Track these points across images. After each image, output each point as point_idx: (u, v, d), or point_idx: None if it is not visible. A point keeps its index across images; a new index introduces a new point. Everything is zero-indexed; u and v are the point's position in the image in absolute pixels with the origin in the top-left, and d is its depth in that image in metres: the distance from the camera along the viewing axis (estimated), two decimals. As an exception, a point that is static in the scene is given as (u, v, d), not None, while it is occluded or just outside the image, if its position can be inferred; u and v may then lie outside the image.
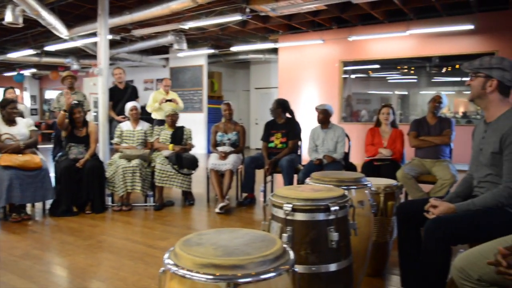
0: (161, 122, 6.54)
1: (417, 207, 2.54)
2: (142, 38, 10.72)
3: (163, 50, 12.78)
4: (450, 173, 4.26)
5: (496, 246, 1.80)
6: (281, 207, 1.84)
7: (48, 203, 5.06)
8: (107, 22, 6.79)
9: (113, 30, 9.19)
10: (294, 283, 1.24)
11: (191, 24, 8.71)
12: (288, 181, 5.01)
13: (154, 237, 4.14)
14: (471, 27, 8.28)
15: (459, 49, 8.77)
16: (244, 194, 5.61)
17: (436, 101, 4.66)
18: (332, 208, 1.81)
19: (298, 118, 5.73)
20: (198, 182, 6.39)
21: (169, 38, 9.88)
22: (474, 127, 2.51)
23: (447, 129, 4.58)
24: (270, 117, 5.63)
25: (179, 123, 5.71)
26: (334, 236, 1.81)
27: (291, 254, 1.26)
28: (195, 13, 8.51)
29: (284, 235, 1.81)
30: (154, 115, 7.19)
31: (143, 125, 5.61)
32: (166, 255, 1.26)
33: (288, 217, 1.81)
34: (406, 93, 10.26)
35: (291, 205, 1.81)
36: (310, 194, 1.88)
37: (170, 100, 7.03)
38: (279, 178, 5.50)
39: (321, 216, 1.82)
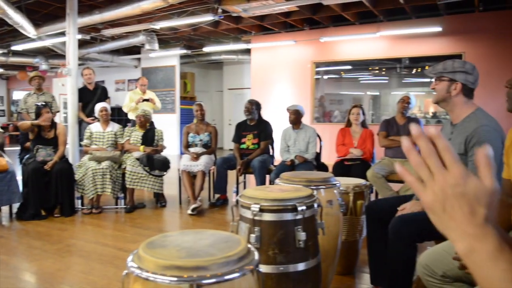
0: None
1: (385, 206, 2.59)
2: (113, 38, 10.57)
3: (135, 50, 12.63)
4: (418, 172, 4.34)
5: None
6: (248, 208, 1.84)
7: (15, 206, 4.92)
8: (76, 21, 6.67)
9: (82, 29, 9.04)
10: (259, 283, 1.24)
11: (162, 24, 8.64)
12: (260, 182, 5.02)
13: (125, 240, 4.08)
14: (439, 29, 8.48)
15: (428, 50, 8.96)
16: (217, 195, 5.60)
17: (405, 102, 4.75)
18: (299, 208, 1.82)
19: (271, 118, 5.75)
20: (171, 183, 6.34)
21: (140, 38, 9.76)
22: (441, 127, 2.56)
23: (415, 129, 4.67)
24: (243, 118, 5.63)
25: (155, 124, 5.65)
26: (302, 235, 1.82)
27: (256, 255, 1.27)
28: (166, 13, 8.45)
29: (252, 235, 1.82)
30: (131, 115, 7.07)
31: (113, 127, 5.52)
32: (130, 258, 1.25)
33: (256, 218, 1.82)
34: (377, 93, 10.42)
35: (258, 206, 1.81)
36: (277, 195, 1.89)
37: (147, 100, 6.92)
38: (251, 178, 5.50)
39: (288, 216, 1.83)
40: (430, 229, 2.17)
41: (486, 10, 8.26)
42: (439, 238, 2.14)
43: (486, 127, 2.15)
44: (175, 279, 1.11)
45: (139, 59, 13.23)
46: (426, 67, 9.21)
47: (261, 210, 1.82)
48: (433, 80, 2.39)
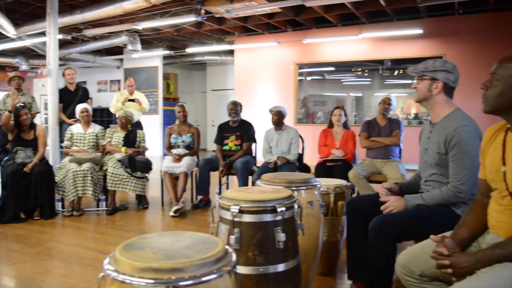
0: None
1: (365, 203, 2.61)
2: (95, 38, 10.47)
3: (117, 50, 12.54)
4: (399, 172, 4.40)
5: (433, 244, 1.87)
6: (228, 209, 1.84)
7: (-7, 209, 4.83)
8: (57, 21, 6.58)
9: (63, 29, 8.94)
10: (236, 284, 1.24)
11: (145, 25, 8.59)
12: (243, 183, 5.02)
13: (106, 242, 4.04)
14: (420, 31, 8.60)
15: (409, 52, 9.07)
16: (199, 197, 5.57)
17: (386, 103, 4.80)
18: (279, 209, 1.83)
19: (254, 119, 5.76)
20: (153, 185, 6.30)
21: (122, 39, 9.69)
22: (422, 128, 2.60)
23: (396, 130, 4.73)
24: (227, 119, 5.62)
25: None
26: (281, 236, 1.82)
27: (233, 256, 1.27)
28: (149, 13, 8.41)
29: (232, 237, 1.82)
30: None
31: (95, 128, 5.46)
32: (106, 261, 1.24)
33: (236, 219, 1.82)
34: (360, 94, 10.51)
35: (238, 207, 1.81)
36: (257, 196, 1.89)
37: (133, 100, 6.86)
38: (234, 180, 5.50)
39: (268, 217, 1.83)
40: (409, 229, 2.22)
41: (465, 13, 8.41)
42: (418, 237, 2.17)
43: (466, 127, 2.19)
44: (152, 281, 1.10)
45: (121, 59, 13.13)
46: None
47: (241, 211, 1.82)
48: (414, 80, 2.43)
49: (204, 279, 1.12)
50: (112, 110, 6.95)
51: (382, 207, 2.40)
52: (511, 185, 1.61)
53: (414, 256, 1.91)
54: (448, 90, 2.32)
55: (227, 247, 1.29)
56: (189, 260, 1.13)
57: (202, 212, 5.28)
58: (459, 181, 2.16)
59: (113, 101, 6.96)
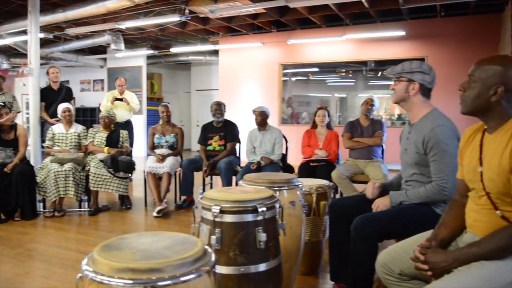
0: (115, 123, 6.31)
1: (348, 204, 2.64)
2: (78, 37, 10.35)
3: (100, 50, 12.42)
4: (381, 172, 4.44)
5: (416, 242, 1.90)
6: (209, 209, 1.84)
7: (-27, 210, 4.75)
8: (38, 19, 6.49)
9: (45, 28, 8.83)
10: (216, 284, 1.24)
11: (128, 24, 8.52)
12: (227, 183, 5.02)
13: (88, 243, 4.01)
14: (403, 33, 8.70)
15: (392, 54, 9.17)
16: (183, 197, 5.55)
17: (369, 104, 4.85)
18: (260, 209, 1.84)
19: (239, 120, 5.76)
20: (137, 185, 6.26)
21: (106, 38, 9.59)
22: (403, 129, 2.64)
23: (379, 131, 4.78)
24: (211, 119, 5.60)
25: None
26: (262, 236, 1.83)
27: (213, 256, 1.27)
28: (132, 12, 8.34)
29: (213, 237, 1.82)
30: None
31: (77, 128, 5.41)
32: (84, 261, 1.23)
33: (217, 219, 1.82)
34: (345, 95, 10.58)
35: (219, 207, 1.82)
36: (238, 196, 1.90)
37: (121, 99, 6.80)
38: (218, 180, 5.49)
39: (249, 218, 1.84)
40: (390, 228, 2.25)
41: (447, 15, 8.53)
42: (399, 236, 2.20)
43: (443, 126, 2.23)
44: (130, 281, 1.10)
45: (105, 59, 13.01)
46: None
47: (222, 211, 1.82)
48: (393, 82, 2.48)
49: (182, 279, 1.12)
50: (102, 109, 6.90)
51: (373, 207, 2.46)
52: (487, 185, 1.64)
53: (394, 255, 1.94)
54: (425, 91, 2.37)
55: (206, 247, 1.30)
56: (167, 261, 1.13)
57: (185, 212, 5.26)
58: (442, 180, 2.20)
59: (104, 101, 6.93)
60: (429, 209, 2.29)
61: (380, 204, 2.44)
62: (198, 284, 1.16)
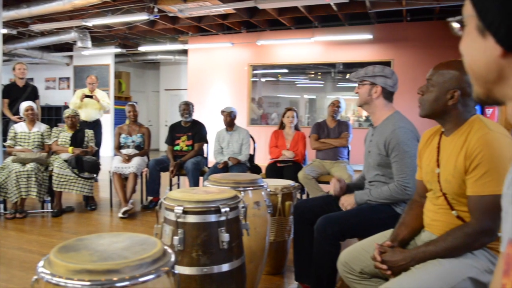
0: (84, 123, 6.19)
1: (312, 205, 2.68)
2: (43, 34, 10.08)
3: (67, 47, 12.13)
4: (347, 173, 4.51)
5: (376, 241, 1.95)
6: (172, 210, 1.84)
7: None
8: (1, 14, 6.29)
9: (9, 23, 8.56)
10: (176, 285, 1.24)
11: (95, 22, 8.36)
12: (194, 183, 5.00)
13: (51, 245, 3.90)
14: (370, 36, 8.86)
15: (360, 57, 9.33)
16: (149, 198, 5.49)
17: (335, 106, 4.92)
18: (223, 210, 1.84)
19: (208, 120, 5.74)
20: (103, 186, 6.16)
21: (72, 35, 9.38)
22: (367, 132, 2.70)
23: (345, 132, 4.85)
24: (180, 119, 5.56)
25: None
26: (225, 237, 1.83)
27: (172, 256, 1.27)
28: (100, 10, 8.19)
29: (176, 237, 1.81)
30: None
31: (40, 127, 5.27)
32: (40, 263, 1.21)
33: (179, 220, 1.81)
34: (314, 97, 10.68)
35: (182, 208, 1.81)
36: (201, 197, 1.90)
37: (90, 96, 6.66)
38: (186, 180, 5.46)
39: (212, 218, 1.84)
40: (352, 228, 2.30)
41: (413, 20, 8.73)
42: (361, 236, 2.25)
43: (403, 128, 2.30)
44: (87, 283, 1.09)
45: (71, 56, 12.72)
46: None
47: (185, 212, 1.82)
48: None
49: (141, 279, 1.12)
50: (71, 107, 6.76)
51: (340, 205, 2.53)
52: (444, 186, 1.70)
53: (355, 254, 1.98)
54: (387, 95, 2.43)
55: (166, 247, 1.29)
56: (125, 261, 1.12)
57: (152, 213, 5.21)
58: (404, 179, 2.26)
59: (73, 98, 6.79)
60: (390, 209, 2.35)
61: (345, 202, 2.51)
62: (157, 285, 1.16)
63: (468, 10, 0.69)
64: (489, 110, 5.09)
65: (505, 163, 1.52)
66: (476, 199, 1.56)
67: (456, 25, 0.75)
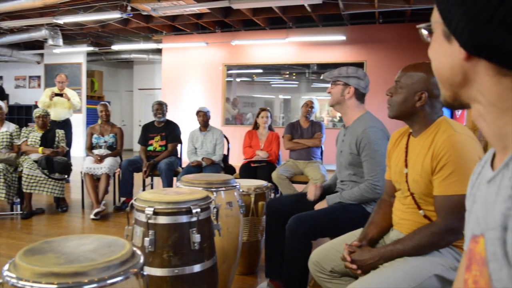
0: (53, 122, 6.06)
1: (284, 203, 2.71)
2: (12, 31, 9.81)
3: (37, 45, 11.86)
4: (320, 173, 4.56)
5: (346, 240, 1.98)
6: (143, 211, 1.83)
7: None
8: (-33, 11, 6.13)
9: (-25, 20, 8.34)
10: (144, 286, 1.24)
11: (67, 19, 8.19)
12: (167, 184, 4.96)
13: (20, 248, 3.74)
14: (343, 38, 8.96)
15: (334, 58, 9.42)
16: (122, 199, 5.43)
17: (309, 106, 4.96)
18: (194, 210, 1.84)
19: (182, 120, 5.71)
20: (75, 187, 6.06)
21: (43, 33, 9.16)
22: (339, 132, 2.74)
23: (318, 132, 4.90)
24: (154, 119, 5.51)
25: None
26: (196, 237, 1.83)
27: (141, 258, 1.26)
28: (71, 7, 8.04)
29: (146, 239, 1.80)
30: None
31: (9, 127, 5.15)
32: (6, 266, 1.19)
33: (150, 221, 1.80)
34: (288, 97, 10.74)
35: (152, 209, 1.80)
36: (172, 197, 1.89)
37: (61, 95, 6.53)
38: (160, 181, 5.42)
39: (183, 219, 1.84)
40: (323, 228, 2.33)
41: (385, 22, 8.87)
42: (332, 235, 2.28)
43: (374, 127, 2.35)
44: (54, 286, 1.07)
45: (42, 54, 12.44)
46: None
47: (156, 213, 1.81)
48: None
49: (109, 281, 1.11)
50: (40, 106, 6.62)
51: (308, 197, 2.62)
52: (412, 186, 1.74)
53: (325, 253, 2.00)
54: (359, 96, 2.48)
55: (134, 249, 1.29)
56: (92, 264, 1.11)
57: (124, 214, 5.15)
58: (374, 178, 2.30)
59: (42, 97, 6.65)
60: (360, 208, 2.39)
61: (313, 192, 2.61)
62: (126, 286, 1.16)
63: (436, 16, 0.72)
64: (458, 112, 5.22)
65: (470, 164, 1.56)
66: (442, 198, 1.60)
67: (424, 31, 0.79)
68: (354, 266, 1.74)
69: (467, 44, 0.65)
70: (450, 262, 1.63)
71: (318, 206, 2.56)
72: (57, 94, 6.54)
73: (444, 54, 0.71)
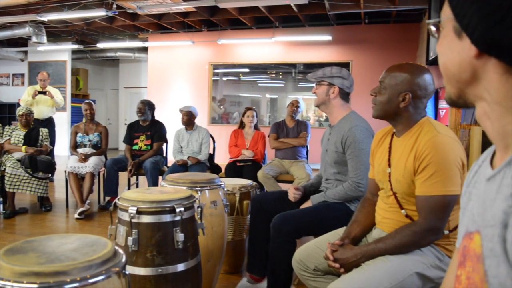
0: (36, 121, 5.99)
1: (269, 200, 2.72)
2: (-5, 28, 9.69)
3: (21, 42, 11.71)
4: (305, 172, 4.58)
5: (330, 238, 2.00)
6: (126, 210, 1.82)
7: None
8: (-52, 8, 6.03)
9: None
10: (126, 285, 1.24)
11: (51, 17, 8.10)
12: (153, 183, 4.94)
13: (2, 248, 3.77)
14: (329, 38, 9.00)
15: (320, 57, 9.46)
16: (107, 198, 5.39)
17: (294, 106, 4.98)
18: (178, 210, 1.84)
19: (168, 119, 5.69)
20: (59, 186, 6.00)
21: (26, 30, 9.03)
22: (324, 132, 2.76)
23: (303, 132, 4.93)
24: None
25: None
26: (180, 237, 1.84)
27: (123, 257, 1.26)
28: (56, 4, 7.95)
29: (130, 238, 1.80)
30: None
31: (-9, 125, 5.09)
32: (-15, 266, 1.18)
33: (134, 220, 1.80)
34: (275, 96, 10.76)
35: (135, 208, 1.80)
36: (156, 197, 1.89)
37: (44, 93, 6.46)
38: (144, 180, 5.39)
39: (167, 218, 1.84)
40: (307, 226, 2.35)
41: (371, 23, 8.95)
42: (316, 233, 2.30)
43: (359, 126, 2.37)
44: (35, 286, 1.07)
45: (25, 52, 12.27)
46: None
47: (139, 212, 1.81)
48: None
49: (90, 281, 1.11)
50: (22, 104, 6.53)
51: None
52: (394, 186, 1.76)
53: (309, 252, 2.02)
54: (344, 95, 2.50)
55: (116, 248, 1.28)
56: (73, 263, 1.11)
57: (109, 214, 5.10)
58: (358, 177, 2.33)
59: (24, 96, 6.58)
60: (344, 207, 2.41)
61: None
62: (107, 285, 1.16)
63: (446, 13, 0.72)
64: (442, 111, 5.28)
65: (452, 165, 1.59)
66: (424, 198, 1.63)
67: (433, 27, 0.79)
68: (337, 265, 1.75)
69: (478, 41, 0.65)
70: (431, 260, 1.66)
71: (303, 206, 2.58)
72: (40, 92, 6.47)
73: (454, 50, 0.71)
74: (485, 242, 0.65)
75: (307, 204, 2.56)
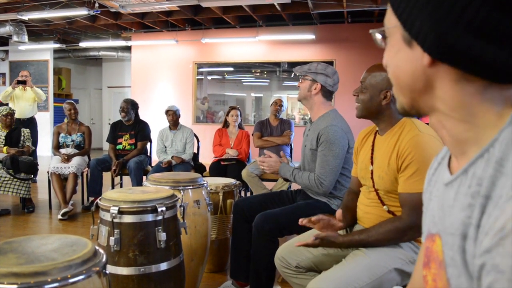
0: (17, 121, 5.90)
1: (252, 203, 2.73)
2: (-26, 27, 9.52)
3: (2, 41, 11.53)
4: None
5: (311, 236, 2.03)
6: (108, 210, 1.82)
7: None
8: None
9: None
10: (107, 285, 1.25)
11: (32, 15, 7.99)
12: (137, 183, 4.92)
13: (-17, 249, 3.73)
14: (313, 37, 9.05)
15: (304, 56, 9.50)
16: (91, 198, 5.35)
17: (278, 104, 5.01)
18: (159, 209, 1.85)
19: (152, 118, 5.67)
20: (42, 187, 5.93)
21: (7, 29, 8.89)
22: (306, 127, 2.79)
23: (287, 130, 4.96)
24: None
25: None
26: (162, 236, 1.85)
27: (104, 256, 1.27)
28: (37, 3, 7.85)
29: (112, 238, 1.80)
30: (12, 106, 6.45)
31: (-29, 126, 5.01)
32: (-36, 268, 1.17)
33: (115, 220, 1.81)
34: (260, 95, 10.78)
35: (117, 208, 1.80)
36: (137, 196, 1.90)
37: (24, 82, 6.39)
38: (128, 180, 5.37)
39: (148, 218, 1.84)
40: (289, 225, 2.38)
41: (353, 22, 9.00)
42: (298, 232, 2.33)
43: (334, 127, 2.38)
44: (15, 286, 1.07)
45: (6, 51, 12.09)
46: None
47: (121, 212, 1.81)
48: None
49: (71, 280, 1.11)
50: (1, 100, 6.46)
51: (258, 161, 2.65)
52: (377, 183, 1.80)
53: (291, 249, 2.05)
54: (326, 93, 2.51)
55: (97, 248, 1.29)
56: (53, 263, 1.11)
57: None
58: (322, 175, 2.35)
59: (2, 93, 6.52)
60: (325, 205, 2.44)
61: (269, 166, 2.60)
62: (88, 285, 1.16)
63: (392, 20, 0.69)
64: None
65: None
66: (406, 196, 1.67)
67: (378, 36, 0.76)
68: (316, 241, 1.76)
69: (431, 49, 0.61)
70: (409, 256, 1.70)
71: (269, 161, 2.61)
72: (19, 82, 6.41)
73: (404, 60, 0.68)
74: (446, 249, 0.65)
75: (274, 165, 2.58)
